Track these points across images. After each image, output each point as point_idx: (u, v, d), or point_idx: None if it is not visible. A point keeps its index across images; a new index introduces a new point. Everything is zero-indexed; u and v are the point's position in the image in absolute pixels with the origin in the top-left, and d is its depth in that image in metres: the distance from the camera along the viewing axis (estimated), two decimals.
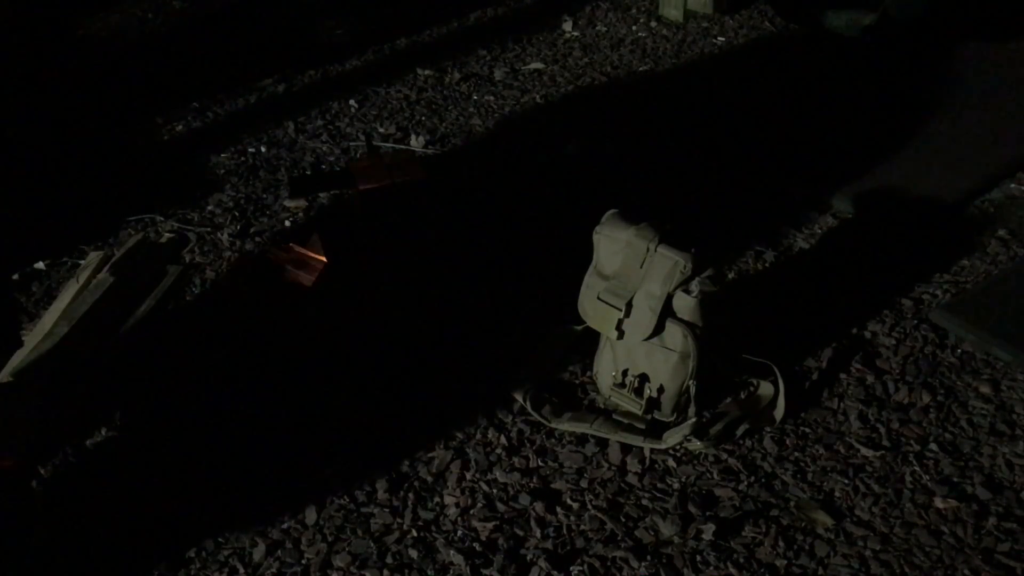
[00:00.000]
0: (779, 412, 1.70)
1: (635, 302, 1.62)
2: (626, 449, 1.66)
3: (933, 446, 1.64)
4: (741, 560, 1.47)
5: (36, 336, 1.85)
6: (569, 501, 1.58)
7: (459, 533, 1.53)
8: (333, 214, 2.32)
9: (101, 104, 2.86)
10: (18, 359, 1.80)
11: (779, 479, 1.60)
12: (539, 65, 3.01)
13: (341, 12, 3.26)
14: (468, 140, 2.62)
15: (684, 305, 1.59)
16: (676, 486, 1.59)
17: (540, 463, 1.65)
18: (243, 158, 2.57)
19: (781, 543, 1.49)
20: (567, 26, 3.25)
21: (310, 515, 1.57)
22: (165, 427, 1.75)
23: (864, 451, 1.64)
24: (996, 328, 1.85)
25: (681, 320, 1.60)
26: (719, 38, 3.14)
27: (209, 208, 2.35)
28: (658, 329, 1.61)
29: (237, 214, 2.32)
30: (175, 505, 1.59)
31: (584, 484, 1.61)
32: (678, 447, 1.65)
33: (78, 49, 3.20)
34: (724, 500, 1.57)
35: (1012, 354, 1.80)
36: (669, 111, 2.74)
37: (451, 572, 1.47)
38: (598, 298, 1.66)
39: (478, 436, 1.70)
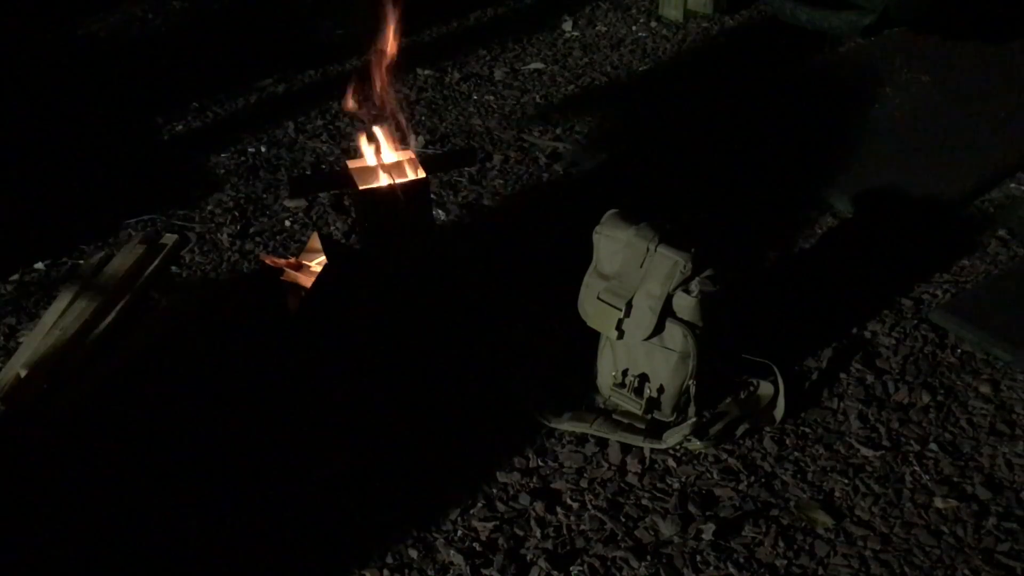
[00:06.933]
0: (779, 412, 1.70)
1: (635, 302, 1.62)
2: (626, 449, 1.66)
3: (933, 446, 1.64)
4: (741, 560, 1.47)
5: (36, 336, 1.85)
6: (569, 501, 1.58)
7: (459, 533, 1.53)
8: (333, 214, 2.31)
9: (101, 104, 2.86)
10: (18, 359, 1.80)
11: (779, 479, 1.60)
12: (539, 65, 3.01)
13: (341, 12, 3.26)
14: (468, 140, 2.62)
15: (684, 305, 1.59)
16: (676, 486, 1.59)
17: (540, 463, 1.65)
18: (243, 158, 2.57)
19: (781, 543, 1.49)
20: (567, 26, 3.25)
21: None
22: (162, 434, 1.75)
23: (864, 451, 1.64)
24: (996, 328, 1.85)
25: (681, 320, 1.60)
26: (719, 38, 3.14)
27: (209, 208, 2.35)
28: (658, 329, 1.61)
29: (237, 214, 2.32)
30: (176, 506, 1.60)
31: (584, 484, 1.60)
32: (678, 447, 1.65)
33: (78, 49, 3.20)
34: (724, 500, 1.57)
35: (1012, 354, 1.80)
36: (669, 111, 2.74)
37: (451, 572, 1.47)
38: (598, 298, 1.66)
39: (478, 436, 1.70)
